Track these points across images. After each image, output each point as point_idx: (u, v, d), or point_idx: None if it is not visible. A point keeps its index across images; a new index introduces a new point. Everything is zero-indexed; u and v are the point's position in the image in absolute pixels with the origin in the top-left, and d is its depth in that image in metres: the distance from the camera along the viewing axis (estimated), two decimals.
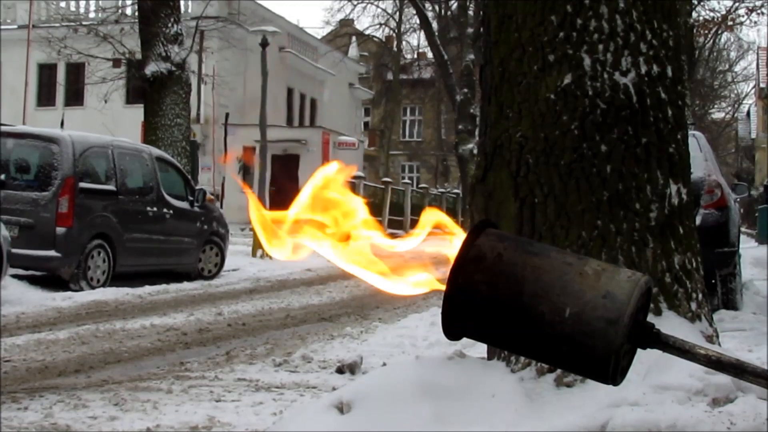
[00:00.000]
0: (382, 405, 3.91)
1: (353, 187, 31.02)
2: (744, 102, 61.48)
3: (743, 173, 50.37)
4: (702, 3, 31.04)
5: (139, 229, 13.13)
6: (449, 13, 43.13)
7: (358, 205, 1.45)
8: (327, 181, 1.45)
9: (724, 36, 45.55)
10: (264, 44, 21.45)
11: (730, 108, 62.59)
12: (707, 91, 51.19)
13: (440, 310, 1.36)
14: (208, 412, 5.26)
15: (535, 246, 1.36)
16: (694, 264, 4.53)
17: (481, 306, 1.31)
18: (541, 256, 1.32)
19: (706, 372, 3.83)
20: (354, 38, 49.61)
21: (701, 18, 31.76)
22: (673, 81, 4.50)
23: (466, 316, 1.33)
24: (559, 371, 4.04)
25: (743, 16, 32.74)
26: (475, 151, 27.28)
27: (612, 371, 1.27)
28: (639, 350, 1.35)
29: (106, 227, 12.44)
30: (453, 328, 1.35)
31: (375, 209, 19.84)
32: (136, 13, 20.98)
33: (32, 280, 11.66)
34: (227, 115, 32.05)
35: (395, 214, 32.58)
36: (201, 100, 33.17)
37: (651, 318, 1.36)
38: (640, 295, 1.29)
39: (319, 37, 46.62)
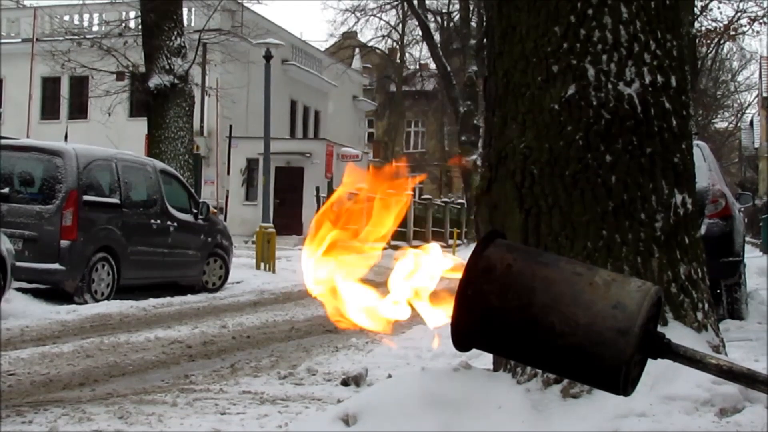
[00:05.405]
0: (388, 417, 3.89)
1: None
2: (747, 111, 61.46)
3: (747, 183, 50.35)
4: (704, 13, 31.07)
5: (143, 242, 13.14)
6: (452, 25, 43.22)
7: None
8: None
9: (727, 46, 45.59)
10: (267, 57, 21.45)
11: (733, 117, 62.59)
12: (710, 100, 51.18)
13: (446, 322, 1.35)
14: (213, 425, 5.24)
15: (544, 256, 1.36)
16: (700, 274, 4.52)
17: (491, 317, 1.31)
18: (551, 267, 1.31)
19: (714, 382, 3.82)
20: (357, 50, 49.70)
21: (704, 28, 31.78)
22: (677, 91, 4.50)
23: (476, 327, 1.33)
24: (565, 382, 4.02)
25: (745, 25, 32.82)
26: (479, 162, 27.32)
27: (623, 382, 1.27)
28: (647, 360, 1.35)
29: (110, 240, 12.45)
30: (463, 339, 1.34)
31: None
32: (140, 27, 21.03)
33: (36, 294, 11.66)
34: (231, 127, 32.08)
35: (399, 225, 32.53)
36: (204, 113, 33.23)
37: (657, 328, 1.35)
38: (651, 305, 1.28)
39: (323, 49, 46.72)
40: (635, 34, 4.41)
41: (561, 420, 3.89)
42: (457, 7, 41.42)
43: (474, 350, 1.41)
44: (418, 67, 53.21)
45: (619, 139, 4.32)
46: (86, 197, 12.13)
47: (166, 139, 18.99)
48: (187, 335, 9.32)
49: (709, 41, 35.45)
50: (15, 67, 35.74)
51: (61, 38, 27.58)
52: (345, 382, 6.59)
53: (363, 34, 53.11)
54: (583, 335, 1.26)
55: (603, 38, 4.38)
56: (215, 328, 9.89)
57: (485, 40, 5.34)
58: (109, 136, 26.07)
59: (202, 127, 33.17)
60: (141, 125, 23.05)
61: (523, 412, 3.95)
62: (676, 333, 4.14)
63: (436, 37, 40.08)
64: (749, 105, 61.07)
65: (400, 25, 47.30)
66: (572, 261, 1.36)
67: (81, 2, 27.93)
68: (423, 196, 42.53)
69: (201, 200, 15.27)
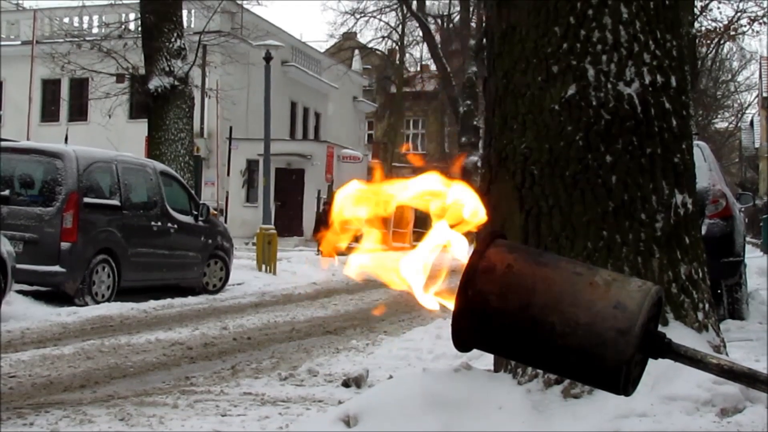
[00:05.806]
0: (389, 418, 3.89)
1: None
2: (747, 111, 61.43)
3: (747, 183, 50.36)
4: (704, 13, 31.05)
5: (144, 243, 13.13)
6: (451, 25, 43.23)
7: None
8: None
9: (727, 46, 45.58)
10: (267, 58, 21.44)
11: (733, 118, 62.56)
12: (710, 101, 51.16)
13: (447, 323, 1.35)
14: (214, 427, 5.24)
15: (544, 256, 1.36)
16: (701, 274, 4.52)
17: (492, 317, 1.31)
18: (551, 267, 1.31)
19: (715, 382, 3.82)
20: (357, 51, 49.68)
21: (703, 28, 31.76)
22: (677, 91, 4.50)
23: (477, 328, 1.32)
24: (566, 383, 4.02)
25: (745, 25, 32.80)
26: (479, 164, 27.34)
27: (623, 382, 1.27)
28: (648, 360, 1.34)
29: (110, 242, 12.44)
30: (463, 340, 1.34)
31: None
32: (139, 29, 21.04)
33: (37, 296, 11.65)
34: (231, 129, 32.09)
35: (399, 226, 32.57)
36: (204, 114, 33.24)
37: (658, 328, 1.35)
38: (651, 305, 1.28)
39: (323, 50, 46.72)
40: (635, 34, 4.41)
41: (561, 420, 3.89)
42: (457, 8, 41.44)
43: (475, 351, 1.41)
44: (418, 68, 53.21)
45: (619, 140, 4.32)
46: (86, 199, 12.13)
47: (167, 141, 18.99)
48: (188, 337, 9.32)
49: (709, 41, 35.42)
50: (15, 70, 35.76)
51: (61, 40, 27.63)
52: (346, 384, 6.59)
53: (363, 35, 53.07)
54: (584, 335, 1.26)
55: (603, 38, 4.38)
56: (216, 330, 9.89)
57: (485, 40, 5.34)
58: (109, 138, 26.08)
59: (202, 128, 33.18)
60: (141, 127, 23.06)
61: (524, 413, 3.95)
62: (677, 333, 4.14)
63: (436, 38, 40.09)
64: (749, 105, 61.05)
65: (400, 26, 47.28)
66: (572, 261, 1.36)
67: (81, 4, 27.95)
68: None
69: (201, 202, 15.25)
